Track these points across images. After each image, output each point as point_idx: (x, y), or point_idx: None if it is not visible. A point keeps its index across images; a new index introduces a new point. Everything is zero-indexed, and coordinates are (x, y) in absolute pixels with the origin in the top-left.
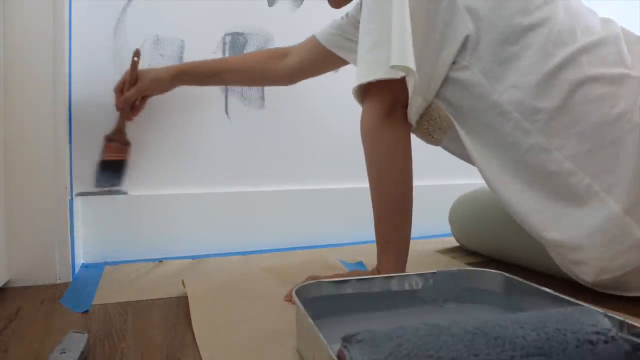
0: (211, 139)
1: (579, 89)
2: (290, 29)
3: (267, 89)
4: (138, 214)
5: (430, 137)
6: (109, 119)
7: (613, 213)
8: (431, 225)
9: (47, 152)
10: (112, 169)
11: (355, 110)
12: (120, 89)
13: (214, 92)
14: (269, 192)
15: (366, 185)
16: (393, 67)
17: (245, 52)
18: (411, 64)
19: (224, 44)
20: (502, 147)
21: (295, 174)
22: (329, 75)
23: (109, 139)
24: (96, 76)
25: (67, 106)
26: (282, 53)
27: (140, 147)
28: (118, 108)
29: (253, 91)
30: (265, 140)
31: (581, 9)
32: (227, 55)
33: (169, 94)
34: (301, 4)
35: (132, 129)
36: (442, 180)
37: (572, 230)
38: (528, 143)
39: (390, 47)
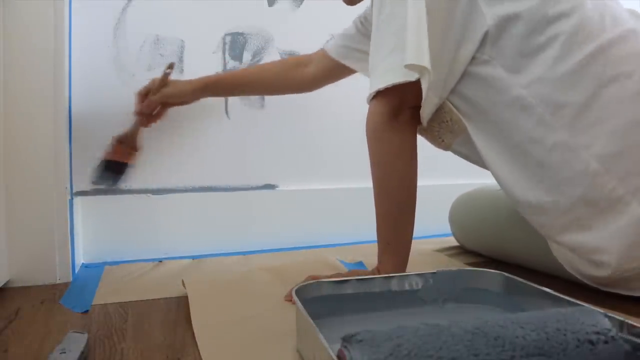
0: (211, 138)
1: (611, 85)
2: (290, 29)
3: None
4: (138, 214)
5: (440, 141)
6: (109, 119)
7: (636, 217)
8: (431, 225)
9: (47, 152)
10: (113, 170)
11: (354, 110)
12: (143, 95)
13: None
14: (269, 192)
15: (366, 185)
16: (407, 66)
17: (245, 52)
18: (426, 62)
19: (224, 44)
20: (522, 146)
21: (295, 174)
22: None
23: (119, 140)
24: (96, 76)
25: (67, 106)
26: (303, 62)
27: (140, 147)
28: (138, 112)
29: None
30: (265, 140)
31: None
32: (227, 55)
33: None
34: (301, 4)
35: None
36: (442, 180)
37: (591, 233)
38: (552, 140)
39: (405, 51)
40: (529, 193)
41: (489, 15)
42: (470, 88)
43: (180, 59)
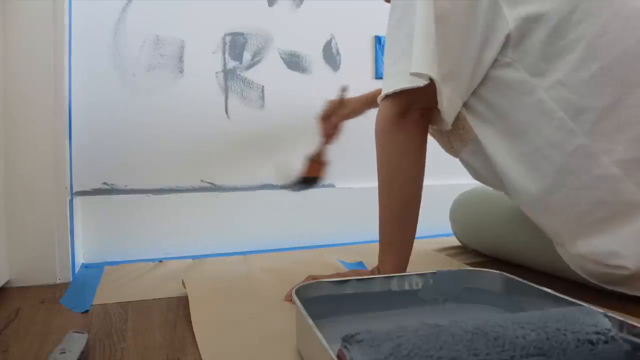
0: (211, 138)
1: (634, 90)
2: (290, 29)
3: (266, 89)
4: (138, 214)
5: (450, 147)
6: (109, 119)
7: None
8: (431, 225)
9: (47, 152)
10: (308, 183)
11: None
12: (325, 118)
13: (214, 92)
14: (269, 192)
15: (366, 185)
16: (412, 74)
17: (245, 52)
18: (428, 69)
19: (224, 44)
20: (542, 150)
21: (295, 173)
22: (328, 76)
23: (312, 159)
24: (96, 76)
25: (67, 106)
26: None
27: (140, 147)
28: (324, 135)
29: (253, 91)
30: (265, 140)
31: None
32: (227, 55)
33: (170, 94)
34: (301, 4)
35: (132, 129)
36: (442, 180)
37: (608, 238)
38: (573, 145)
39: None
40: (545, 197)
41: (511, 18)
42: (491, 91)
43: (180, 59)
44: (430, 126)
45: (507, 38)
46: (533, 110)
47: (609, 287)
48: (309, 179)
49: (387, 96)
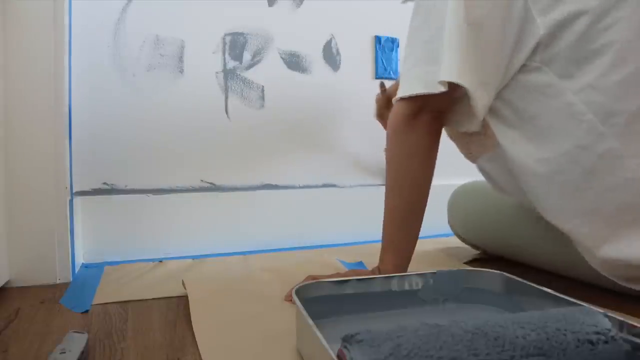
0: (211, 138)
1: None
2: (290, 29)
3: (266, 89)
4: (138, 214)
5: (468, 152)
6: (109, 119)
7: None
8: (431, 225)
9: (47, 152)
10: None
11: (354, 110)
12: (381, 115)
13: (214, 92)
14: (269, 192)
15: (366, 185)
16: (441, 82)
17: (245, 52)
18: (456, 78)
19: (224, 44)
20: (570, 153)
21: (295, 173)
22: (328, 76)
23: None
24: (96, 76)
25: (67, 106)
26: None
27: (140, 147)
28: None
29: (253, 91)
30: (265, 140)
31: None
32: (227, 55)
33: (170, 94)
34: (301, 4)
35: (132, 129)
36: (442, 180)
37: (635, 243)
38: (602, 148)
39: (430, 64)
40: (570, 201)
41: (542, 25)
42: (518, 94)
43: (180, 59)
44: (449, 129)
45: (537, 44)
46: (561, 113)
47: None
48: None
49: (401, 99)
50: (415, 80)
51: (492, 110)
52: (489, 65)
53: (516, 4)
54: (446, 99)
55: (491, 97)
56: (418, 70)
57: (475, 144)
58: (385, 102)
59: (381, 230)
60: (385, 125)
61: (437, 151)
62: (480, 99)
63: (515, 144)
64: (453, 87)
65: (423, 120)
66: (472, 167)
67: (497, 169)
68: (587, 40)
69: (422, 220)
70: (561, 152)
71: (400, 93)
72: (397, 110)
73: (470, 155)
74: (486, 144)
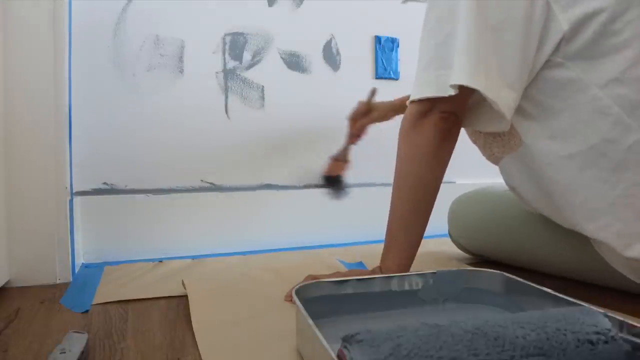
0: (211, 138)
1: None
2: (290, 29)
3: (266, 89)
4: (138, 214)
5: (489, 153)
6: (109, 119)
7: None
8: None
9: (47, 152)
10: (332, 182)
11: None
12: (354, 119)
13: (214, 92)
14: (269, 192)
15: (366, 185)
16: (452, 86)
17: (245, 52)
18: (468, 81)
19: (224, 44)
20: (598, 147)
21: (295, 173)
22: (328, 76)
23: (335, 158)
24: (96, 76)
25: (67, 106)
26: None
27: (140, 147)
28: (353, 135)
29: (253, 91)
30: (265, 140)
31: None
32: (227, 55)
33: (170, 94)
34: (301, 4)
35: (132, 129)
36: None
37: None
38: (630, 140)
39: (445, 65)
40: (602, 198)
41: (565, 21)
42: (542, 91)
43: (180, 59)
44: (471, 132)
45: (560, 40)
46: (587, 107)
47: None
48: (331, 178)
49: (412, 101)
50: (426, 83)
51: (516, 109)
52: (511, 66)
53: (537, 2)
54: (457, 101)
55: (519, 96)
56: (429, 73)
57: (498, 145)
58: (364, 109)
59: (382, 230)
60: (352, 128)
61: (447, 152)
62: (505, 100)
63: (540, 142)
64: (467, 90)
65: (430, 121)
66: (472, 167)
67: (520, 170)
68: (610, 34)
69: (427, 221)
70: (588, 147)
71: (413, 96)
72: (407, 111)
73: (493, 157)
74: (510, 143)
